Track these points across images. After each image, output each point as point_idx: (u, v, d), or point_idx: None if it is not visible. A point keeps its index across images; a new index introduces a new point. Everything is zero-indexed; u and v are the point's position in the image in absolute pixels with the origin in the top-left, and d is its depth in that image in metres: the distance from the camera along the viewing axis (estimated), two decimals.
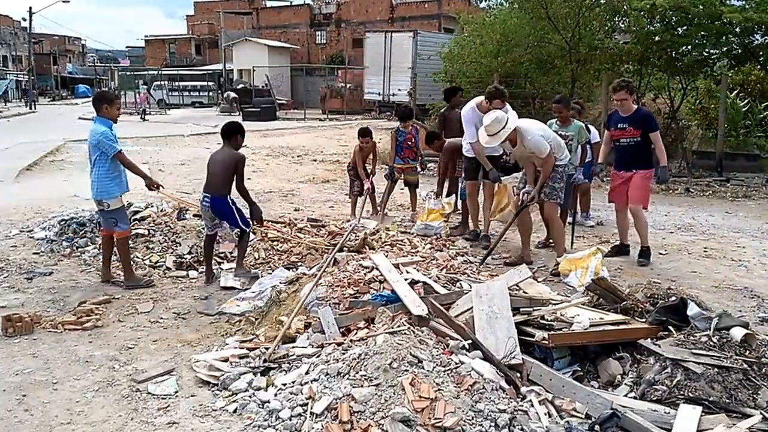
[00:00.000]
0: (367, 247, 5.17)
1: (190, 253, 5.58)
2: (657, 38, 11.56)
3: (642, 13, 11.39)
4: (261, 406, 3.02)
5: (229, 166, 4.98)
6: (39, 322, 4.16)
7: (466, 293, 3.81)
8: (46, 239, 6.11)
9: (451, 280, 4.29)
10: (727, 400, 2.91)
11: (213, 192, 5.03)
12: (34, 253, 5.84)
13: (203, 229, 6.05)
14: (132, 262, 5.31)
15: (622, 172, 5.70)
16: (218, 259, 5.58)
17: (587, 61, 12.45)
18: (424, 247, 5.22)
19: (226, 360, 3.51)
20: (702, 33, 11.07)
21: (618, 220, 5.97)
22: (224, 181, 5.00)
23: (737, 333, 3.22)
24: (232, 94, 27.53)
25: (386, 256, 4.51)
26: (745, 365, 3.04)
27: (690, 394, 2.93)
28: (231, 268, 5.36)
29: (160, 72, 40.28)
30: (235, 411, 3.04)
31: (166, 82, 38.24)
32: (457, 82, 14.42)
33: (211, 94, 38.91)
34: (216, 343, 3.91)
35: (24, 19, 42.10)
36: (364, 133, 7.28)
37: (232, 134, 5.12)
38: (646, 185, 5.65)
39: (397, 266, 4.28)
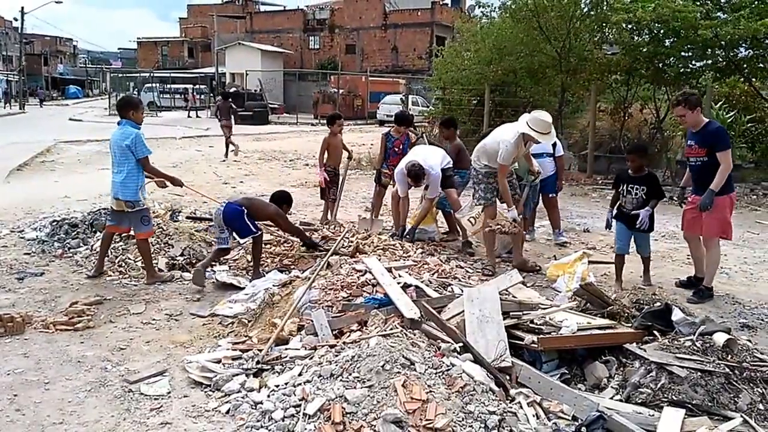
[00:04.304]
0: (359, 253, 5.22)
1: (182, 254, 5.58)
2: (644, 50, 11.78)
3: (627, 26, 11.59)
4: (254, 407, 3.04)
5: None
6: (30, 322, 4.16)
7: (458, 297, 3.86)
8: (37, 240, 6.10)
9: (442, 284, 4.33)
10: (710, 403, 2.98)
11: (228, 199, 5.12)
12: (25, 254, 5.83)
13: (197, 231, 6.09)
14: (124, 263, 5.33)
15: (693, 196, 5.05)
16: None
17: (577, 71, 12.64)
18: (416, 252, 5.27)
19: (218, 361, 3.52)
20: (688, 45, 11.28)
21: (691, 249, 5.33)
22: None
23: (719, 338, 3.30)
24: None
25: (379, 260, 4.55)
26: (727, 369, 3.10)
27: (674, 397, 2.99)
28: (224, 270, 5.39)
29: (152, 74, 40.11)
30: (227, 412, 3.06)
31: (158, 85, 38.09)
32: (449, 89, 14.58)
33: (203, 97, 38.78)
34: (209, 344, 3.92)
35: (15, 19, 41.82)
36: (331, 118, 7.28)
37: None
38: (721, 213, 4.84)
39: (389, 270, 4.32)
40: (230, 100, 15.84)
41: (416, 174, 5.88)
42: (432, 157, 6.15)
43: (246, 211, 5.11)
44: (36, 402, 3.18)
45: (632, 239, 5.30)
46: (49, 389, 3.32)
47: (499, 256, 5.85)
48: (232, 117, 15.11)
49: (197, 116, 31.10)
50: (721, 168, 4.72)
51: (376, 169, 7.33)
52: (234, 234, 5.22)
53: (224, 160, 13.86)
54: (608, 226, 5.51)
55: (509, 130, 5.46)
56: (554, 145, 6.67)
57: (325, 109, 29.62)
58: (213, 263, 5.29)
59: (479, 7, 14.54)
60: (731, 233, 4.99)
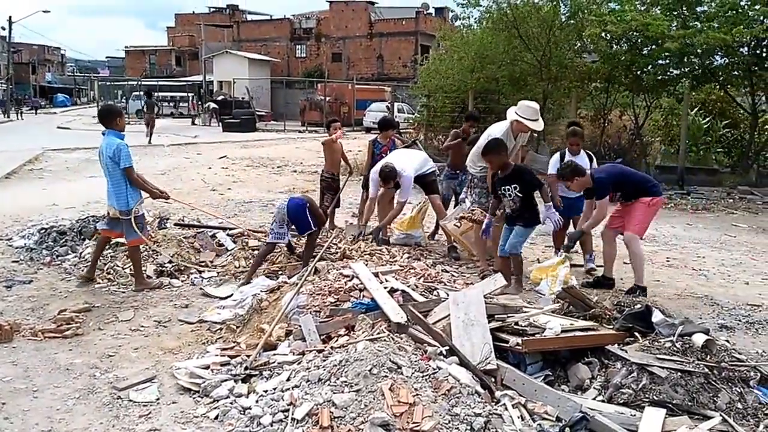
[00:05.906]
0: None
1: (170, 261, 5.59)
2: (622, 58, 12.02)
3: (606, 36, 11.84)
4: (242, 412, 3.06)
5: None
6: (18, 330, 4.15)
7: (443, 301, 3.90)
8: (25, 248, 6.08)
9: (428, 289, 4.38)
10: (690, 403, 3.04)
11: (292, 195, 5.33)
12: (13, 262, 5.81)
13: (184, 238, 6.09)
14: (113, 270, 5.33)
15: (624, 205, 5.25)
16: (199, 268, 5.60)
17: (558, 78, 12.86)
18: (402, 257, 5.31)
19: (207, 367, 3.54)
20: (665, 54, 11.54)
21: (603, 249, 5.34)
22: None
23: (698, 339, 3.37)
24: (213, 105, 27.33)
25: (366, 265, 4.59)
26: (706, 369, 3.17)
27: (655, 397, 3.05)
28: (212, 277, 5.41)
29: (139, 83, 39.91)
30: (216, 417, 3.08)
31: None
32: (434, 96, 14.71)
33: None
34: (197, 350, 3.94)
35: (3, 28, 41.55)
36: (329, 123, 7.35)
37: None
38: (640, 213, 5.00)
39: (376, 275, 4.37)
40: (153, 98, 23.37)
41: (386, 175, 5.93)
42: (408, 161, 6.18)
43: (308, 205, 5.37)
44: (24, 410, 3.17)
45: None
46: (37, 397, 3.32)
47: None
48: (155, 111, 21.26)
49: (194, 123, 31.90)
50: (595, 212, 5.07)
51: (363, 176, 7.37)
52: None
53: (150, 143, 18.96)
54: (485, 233, 5.16)
55: (498, 126, 5.59)
56: (591, 161, 6.13)
57: (312, 116, 29.71)
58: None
59: (460, 20, 14.74)
60: (642, 232, 5.09)
